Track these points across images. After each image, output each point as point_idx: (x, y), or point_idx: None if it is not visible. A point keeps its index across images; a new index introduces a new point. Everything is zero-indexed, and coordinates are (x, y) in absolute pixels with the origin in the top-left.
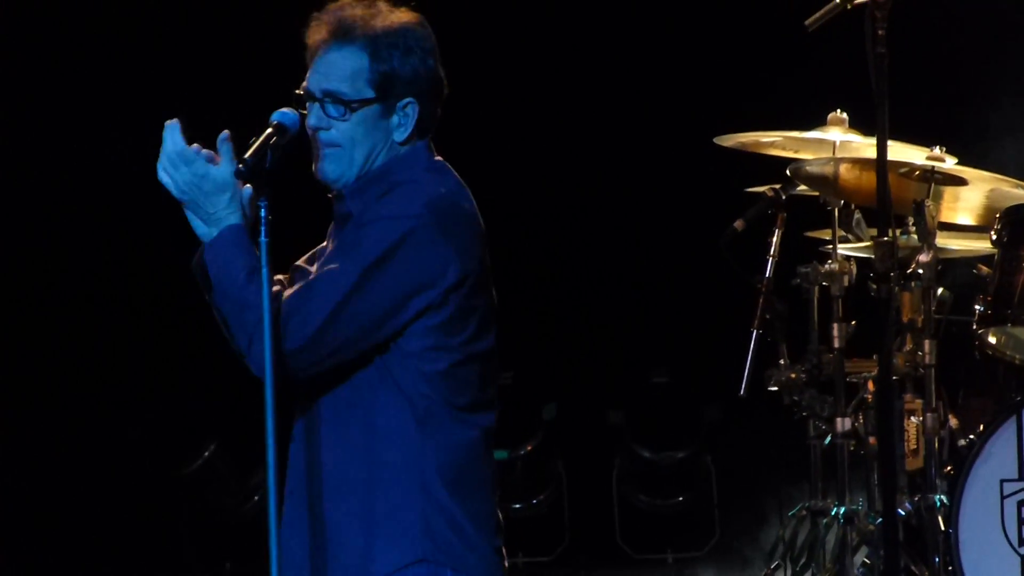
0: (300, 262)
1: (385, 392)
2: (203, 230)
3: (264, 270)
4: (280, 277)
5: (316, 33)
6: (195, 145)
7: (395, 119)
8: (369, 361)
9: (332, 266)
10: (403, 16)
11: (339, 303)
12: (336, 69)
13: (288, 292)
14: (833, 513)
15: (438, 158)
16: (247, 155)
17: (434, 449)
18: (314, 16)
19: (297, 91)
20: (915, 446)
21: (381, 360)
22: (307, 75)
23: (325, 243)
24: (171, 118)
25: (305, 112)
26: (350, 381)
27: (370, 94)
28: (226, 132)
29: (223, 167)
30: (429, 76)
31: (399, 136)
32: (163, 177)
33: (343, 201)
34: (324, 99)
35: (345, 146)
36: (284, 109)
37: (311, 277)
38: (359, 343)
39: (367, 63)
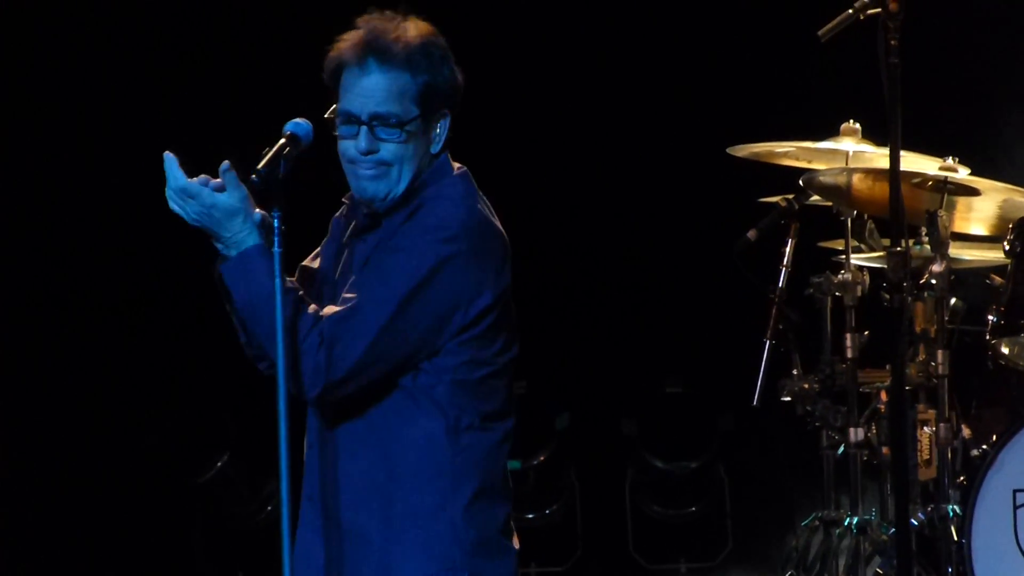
0: (306, 262)
1: (416, 402)
2: (225, 253)
3: (277, 280)
4: (290, 280)
5: (349, 55)
6: (201, 177)
7: (432, 133)
8: (401, 374)
9: (371, 291)
10: (424, 27)
11: (382, 330)
12: (383, 91)
13: (326, 313)
14: (846, 523)
15: (458, 165)
16: (260, 165)
17: (462, 457)
18: (342, 38)
19: (329, 115)
20: (928, 456)
21: (413, 374)
22: (345, 97)
23: (329, 240)
24: (167, 151)
25: (338, 135)
26: (378, 392)
27: (416, 111)
28: (227, 162)
29: (229, 193)
30: (456, 86)
31: (435, 149)
32: (174, 207)
33: (373, 216)
34: (373, 122)
35: (395, 165)
36: (297, 120)
37: (350, 301)
38: (399, 365)
39: (410, 80)
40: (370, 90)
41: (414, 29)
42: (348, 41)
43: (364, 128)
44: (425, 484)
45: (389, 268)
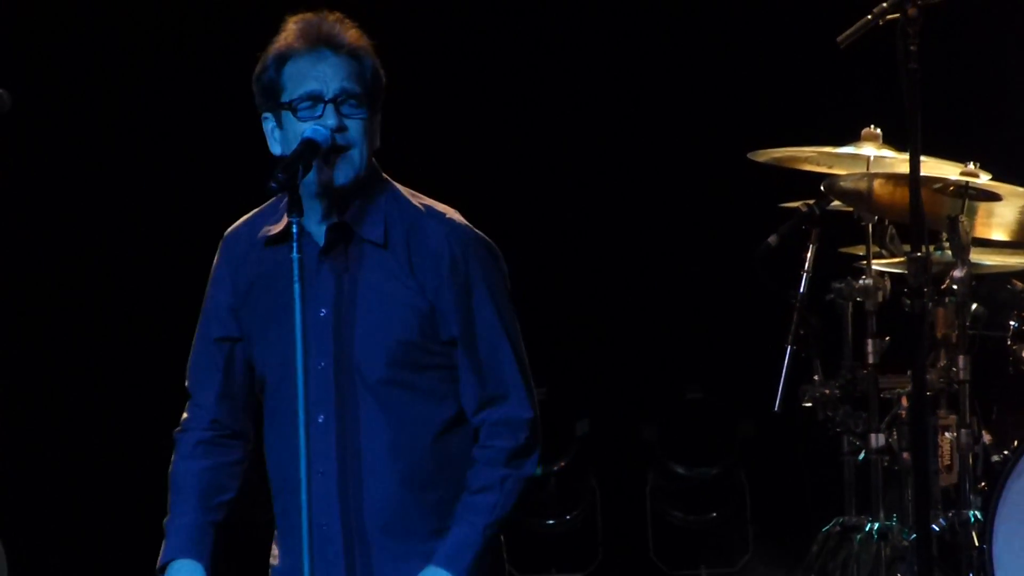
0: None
1: (445, 411)
2: None
3: (296, 286)
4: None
5: (298, 44)
6: None
7: (376, 128)
8: (444, 379)
9: (492, 347)
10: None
11: (520, 358)
12: (343, 71)
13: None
14: (867, 529)
15: None
16: (279, 171)
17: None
18: (278, 39)
19: (284, 102)
20: (949, 462)
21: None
22: (301, 83)
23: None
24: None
25: (298, 118)
26: (421, 400)
27: (367, 96)
28: None
29: None
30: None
31: (376, 144)
32: None
33: (339, 227)
34: (338, 98)
35: (356, 146)
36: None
37: (482, 359)
38: None
39: (358, 68)
40: (331, 70)
41: (355, 31)
42: (290, 36)
43: (331, 106)
44: (458, 493)
45: (496, 315)
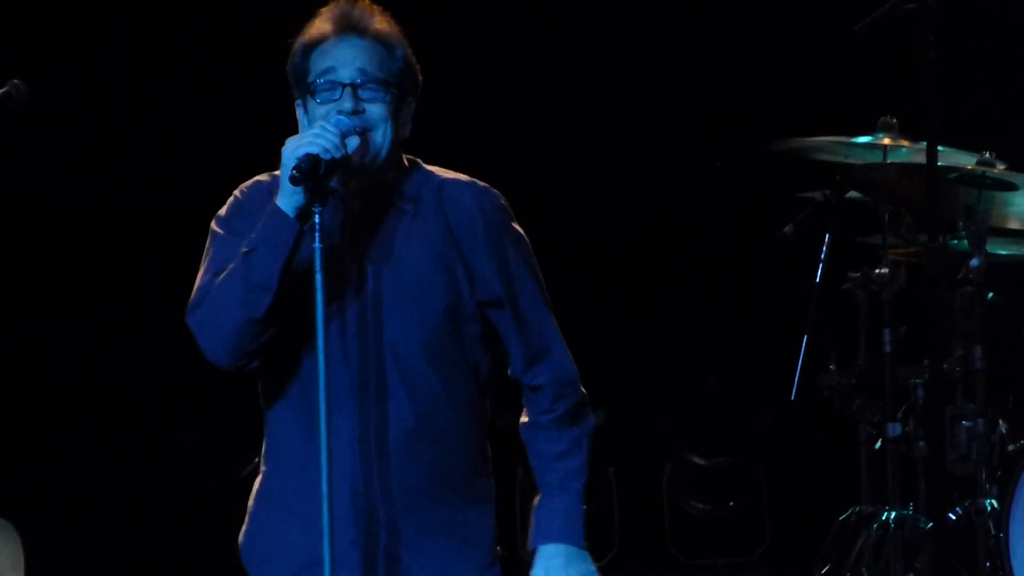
0: None
1: (479, 393)
2: None
3: (318, 275)
4: None
5: (326, 29)
6: None
7: (403, 115)
8: (477, 345)
9: (532, 303)
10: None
11: (554, 317)
12: (366, 55)
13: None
14: (883, 518)
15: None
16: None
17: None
18: (322, 18)
19: (309, 84)
20: (965, 451)
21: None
22: (323, 65)
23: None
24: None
25: (317, 102)
26: (463, 367)
27: (393, 80)
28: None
29: None
30: (419, 81)
31: (405, 132)
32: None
33: (374, 201)
34: (357, 81)
35: (378, 127)
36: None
37: (526, 316)
38: None
39: (387, 55)
40: (352, 54)
41: (380, 13)
42: (320, 22)
43: (348, 90)
44: (485, 467)
45: (530, 273)
